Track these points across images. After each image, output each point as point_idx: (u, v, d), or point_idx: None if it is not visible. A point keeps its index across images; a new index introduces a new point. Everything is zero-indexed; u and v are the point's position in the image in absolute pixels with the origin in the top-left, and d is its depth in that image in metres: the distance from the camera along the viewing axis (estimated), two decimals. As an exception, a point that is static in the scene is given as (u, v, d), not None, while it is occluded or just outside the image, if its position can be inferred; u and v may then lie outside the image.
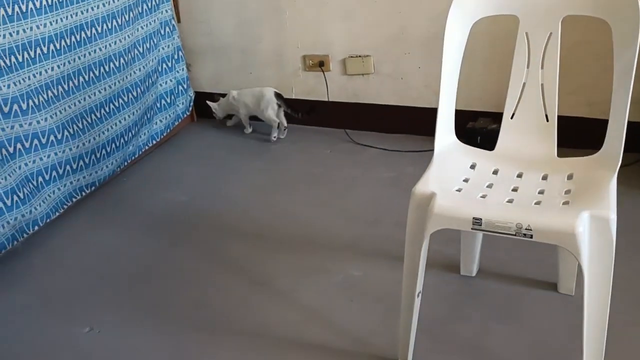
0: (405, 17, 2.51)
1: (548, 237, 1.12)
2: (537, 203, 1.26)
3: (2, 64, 1.94)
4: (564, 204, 1.22)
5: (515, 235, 1.14)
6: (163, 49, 2.77)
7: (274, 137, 2.81)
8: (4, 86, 1.95)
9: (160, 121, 2.83)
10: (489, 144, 2.39)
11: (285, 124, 2.82)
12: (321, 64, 2.74)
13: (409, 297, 1.36)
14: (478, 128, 2.41)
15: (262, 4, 2.75)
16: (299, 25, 2.73)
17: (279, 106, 2.76)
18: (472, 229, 1.18)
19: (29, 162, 2.12)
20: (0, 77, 1.93)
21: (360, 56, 2.66)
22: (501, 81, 2.45)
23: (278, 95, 2.78)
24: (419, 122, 2.65)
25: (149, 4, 2.62)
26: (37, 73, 2.08)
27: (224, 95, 2.92)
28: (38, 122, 2.10)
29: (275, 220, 2.17)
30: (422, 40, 2.52)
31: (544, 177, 1.38)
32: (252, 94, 2.80)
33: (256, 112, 2.81)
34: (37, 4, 2.04)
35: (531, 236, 1.12)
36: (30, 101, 2.06)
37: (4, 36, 1.94)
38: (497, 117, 2.49)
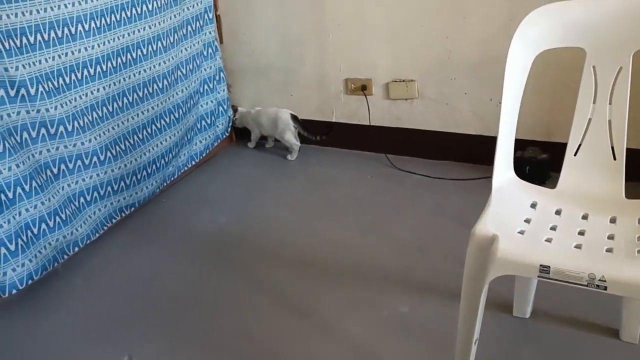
0: (452, 41, 2.45)
1: (625, 290, 1.04)
2: (609, 250, 1.18)
3: (51, 85, 1.94)
4: (639, 252, 1.14)
5: (587, 286, 1.06)
6: (205, 70, 2.77)
7: (292, 158, 2.83)
8: (52, 108, 1.95)
9: (200, 142, 2.81)
10: (538, 174, 2.34)
11: (299, 144, 2.84)
12: (363, 88, 2.70)
13: (465, 343, 1.29)
14: (527, 158, 2.33)
15: (306, 26, 2.73)
16: (342, 48, 2.69)
17: (295, 128, 2.78)
18: (538, 277, 1.10)
19: (72, 182, 2.11)
20: (49, 98, 1.94)
21: (404, 81, 2.61)
22: (553, 110, 2.39)
23: (294, 118, 2.77)
24: (463, 149, 2.58)
25: (194, 26, 2.62)
26: (83, 95, 2.08)
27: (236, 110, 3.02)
28: (82, 143, 2.10)
29: (317, 246, 2.11)
30: (469, 65, 2.46)
31: (612, 220, 1.29)
32: (267, 116, 2.84)
33: (272, 133, 2.87)
34: (86, 27, 2.05)
35: (605, 288, 1.05)
36: (76, 122, 2.06)
37: (53, 58, 1.95)
38: (546, 147, 2.44)
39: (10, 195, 1.84)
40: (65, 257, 2.08)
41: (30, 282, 1.92)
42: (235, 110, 2.97)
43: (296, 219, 2.32)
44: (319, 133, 2.78)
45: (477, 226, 1.23)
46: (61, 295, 1.98)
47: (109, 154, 2.22)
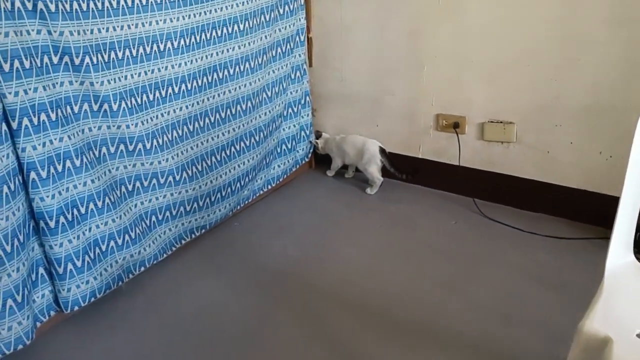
0: (560, 84, 2.22)
1: None
2: None
3: (134, 102, 1.91)
4: None
5: None
6: (291, 93, 2.68)
7: (371, 192, 2.67)
8: (132, 124, 1.92)
9: (279, 166, 2.72)
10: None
11: (382, 179, 2.68)
12: (456, 125, 2.51)
13: None
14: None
15: (401, 56, 2.58)
16: (436, 81, 2.52)
17: (382, 162, 2.62)
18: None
19: (145, 201, 2.07)
20: (130, 115, 1.90)
21: (501, 122, 2.40)
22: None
23: (382, 151, 2.62)
24: (561, 203, 2.33)
25: (284, 48, 2.54)
26: (165, 112, 2.03)
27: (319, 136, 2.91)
28: (159, 162, 2.05)
29: (387, 295, 1.94)
30: (578, 112, 2.21)
31: None
32: (354, 144, 2.69)
33: (356, 163, 2.73)
34: (175, 44, 2.01)
35: None
36: (155, 141, 2.01)
37: (139, 74, 1.91)
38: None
39: (82, 210, 1.81)
40: (131, 276, 2.04)
41: (92, 299, 1.88)
42: (319, 135, 2.87)
43: (368, 261, 2.16)
44: (405, 171, 2.62)
45: (586, 323, 1.03)
46: (120, 315, 1.93)
47: (184, 174, 2.16)
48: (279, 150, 2.70)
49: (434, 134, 2.61)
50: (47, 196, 1.69)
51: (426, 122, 2.61)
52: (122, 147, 1.93)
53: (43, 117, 1.65)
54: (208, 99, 2.20)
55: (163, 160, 2.06)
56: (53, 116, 1.67)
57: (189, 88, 2.10)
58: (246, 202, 2.56)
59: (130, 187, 2.01)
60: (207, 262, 2.22)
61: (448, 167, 2.60)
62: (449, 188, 2.63)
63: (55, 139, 1.69)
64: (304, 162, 2.87)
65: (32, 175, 1.64)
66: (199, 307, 1.94)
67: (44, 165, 1.67)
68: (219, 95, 2.24)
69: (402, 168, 2.64)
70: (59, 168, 1.72)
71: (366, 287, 2.00)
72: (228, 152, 2.35)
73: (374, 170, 2.63)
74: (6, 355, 1.63)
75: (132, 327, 1.86)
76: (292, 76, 2.66)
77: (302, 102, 2.76)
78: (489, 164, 2.49)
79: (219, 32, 2.17)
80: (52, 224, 1.72)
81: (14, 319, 1.63)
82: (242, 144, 2.42)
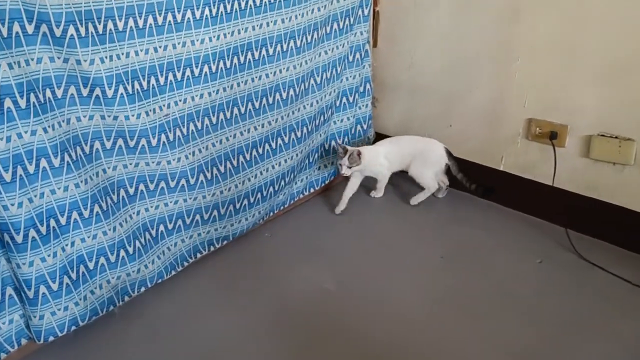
0: None
1: None
2: None
3: (137, 87, 1.50)
4: None
5: None
6: (347, 79, 2.20)
7: (417, 202, 2.19)
8: (132, 115, 1.51)
9: (325, 166, 2.27)
10: None
11: (448, 183, 2.21)
12: (553, 136, 1.96)
13: None
14: None
15: (488, 42, 2.04)
16: (532, 77, 1.97)
17: (447, 166, 2.13)
18: None
19: (151, 207, 1.68)
20: (131, 103, 1.50)
21: (617, 137, 1.83)
22: None
23: (448, 153, 2.12)
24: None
25: (342, 24, 2.05)
26: (178, 101, 1.62)
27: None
28: (169, 162, 1.65)
29: (447, 357, 1.48)
30: None
31: None
32: (413, 145, 2.17)
33: (408, 166, 2.17)
34: (197, 14, 1.57)
35: None
36: (164, 135, 1.60)
37: (146, 51, 1.50)
38: None
39: (62, 221, 1.44)
40: (127, 298, 1.67)
41: (73, 328, 1.53)
42: (345, 152, 2.07)
43: (423, 307, 1.68)
44: (476, 183, 2.10)
45: None
46: (110, 346, 1.57)
47: (202, 176, 1.75)
48: (326, 147, 2.24)
49: (522, 144, 2.06)
50: (12, 204, 1.32)
51: (514, 127, 2.07)
52: (120, 142, 1.53)
53: (8, 103, 1.27)
54: (238, 84, 1.76)
55: (174, 159, 1.66)
56: (22, 103, 1.29)
57: (213, 70, 1.67)
58: (281, 208, 2.13)
59: (131, 191, 1.62)
60: (226, 284, 1.82)
61: (537, 187, 2.05)
62: (536, 212, 2.09)
63: (25, 132, 1.31)
64: (357, 162, 2.40)
65: (-11, 178, 1.27)
66: (208, 347, 1.55)
67: (7, 165, 1.30)
68: (253, 80, 1.80)
69: (473, 178, 2.12)
70: (30, 169, 1.34)
71: (418, 345, 1.53)
72: (260, 151, 1.92)
73: (430, 175, 2.14)
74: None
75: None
76: (350, 58, 2.18)
77: (361, 89, 2.28)
78: (592, 189, 1.93)
79: (257, 1, 1.72)
80: (18, 239, 1.36)
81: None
82: (280, 141, 1.97)
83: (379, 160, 2.14)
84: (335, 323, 1.63)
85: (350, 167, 2.04)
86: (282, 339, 1.58)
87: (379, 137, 2.42)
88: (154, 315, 1.69)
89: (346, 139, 2.28)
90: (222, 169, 1.81)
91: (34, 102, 1.31)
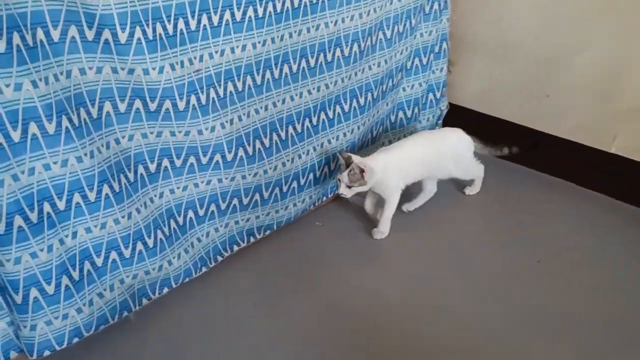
0: None
1: None
2: None
3: (160, 32, 1.13)
4: None
5: None
6: (422, 35, 1.79)
7: (471, 192, 1.79)
8: (153, 69, 1.15)
9: (390, 141, 1.88)
10: None
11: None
12: (691, 111, 1.51)
13: None
14: None
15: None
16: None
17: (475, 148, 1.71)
18: None
19: (177, 188, 1.33)
20: (151, 53, 1.14)
21: None
22: None
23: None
24: None
25: (419, -37, 1.64)
26: (214, 52, 1.24)
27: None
28: (200, 131, 1.29)
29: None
30: None
31: None
32: (430, 143, 1.64)
33: (435, 173, 1.68)
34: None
35: None
36: (194, 98, 1.24)
37: (172, -15, 1.12)
38: None
39: (60, 205, 1.10)
40: (145, 302, 1.34)
41: (76, 340, 1.20)
42: (348, 162, 1.50)
43: (512, 331, 1.30)
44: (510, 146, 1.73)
45: None
46: (128, 355, 1.25)
47: (241, 151, 1.39)
48: (392, 119, 1.85)
49: (646, 121, 1.63)
50: (-11, 183, 0.99)
51: (634, 100, 1.63)
52: (138, 104, 1.18)
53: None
54: (290, 35, 1.38)
55: (206, 129, 1.29)
56: (2, 45, 0.94)
57: (260, 14, 1.29)
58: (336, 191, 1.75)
59: (152, 168, 1.27)
60: (267, 284, 1.47)
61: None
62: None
63: (6, 86, 0.97)
64: (426, 138, 2.00)
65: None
66: (239, 354, 1.21)
67: (-20, 131, 0.96)
68: (308, 30, 1.42)
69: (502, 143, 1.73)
70: (14, 136, 1.00)
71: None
72: (314, 121, 1.54)
73: (474, 164, 1.72)
74: None
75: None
76: (427, 9, 1.76)
77: (437, 49, 1.86)
78: None
79: None
80: (0, 228, 1.03)
81: None
82: (339, 109, 1.59)
83: (389, 174, 1.55)
84: (396, 338, 1.27)
85: (350, 187, 1.50)
86: (333, 352, 1.22)
87: (453, 110, 2.01)
88: (178, 322, 1.35)
89: (415, 110, 1.88)
90: (266, 142, 1.44)
91: (18, 45, 0.96)
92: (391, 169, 1.54)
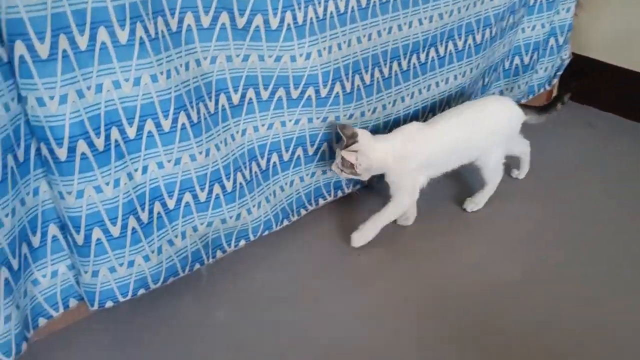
0: None
1: None
2: None
3: None
4: None
5: None
6: (551, -37, 1.50)
7: (517, 174, 1.45)
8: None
9: (502, 92, 1.62)
10: None
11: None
12: None
13: None
14: None
15: None
16: None
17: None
18: None
19: (262, 125, 1.15)
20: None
21: None
22: None
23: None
24: None
25: None
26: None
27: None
28: (293, 57, 1.08)
29: None
30: None
31: None
32: (469, 122, 1.25)
33: (470, 159, 1.30)
34: None
35: None
36: (289, 14, 1.03)
37: None
38: None
39: (129, 132, 0.93)
40: (219, 254, 1.16)
41: (142, 292, 1.04)
42: (352, 138, 1.17)
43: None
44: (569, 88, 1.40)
45: None
46: (192, 320, 1.08)
47: (338, 86, 1.17)
48: (505, 66, 1.58)
49: None
50: (52, 98, 0.82)
51: None
52: (224, 18, 0.98)
53: None
54: (403, -53, 1.14)
55: (300, 55, 1.08)
56: None
57: None
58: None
59: (235, 99, 1.08)
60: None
61: None
62: None
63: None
64: (542, 90, 1.72)
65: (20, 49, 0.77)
66: (330, 335, 1.03)
67: (43, 32, 0.78)
68: (424, -56, 1.17)
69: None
70: (81, 44, 0.83)
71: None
72: (423, 58, 1.30)
73: (520, 141, 1.39)
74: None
75: (205, 352, 1.01)
76: None
77: (564, -16, 1.57)
78: None
79: None
80: (60, 154, 0.87)
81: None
82: (451, 46, 1.34)
83: (403, 168, 1.20)
84: (516, 322, 1.04)
85: (342, 171, 1.18)
86: (437, 332, 1.01)
87: (576, 60, 1.71)
88: (255, 280, 1.18)
89: (533, 56, 1.60)
90: (367, 78, 1.22)
91: None
92: (408, 162, 1.19)
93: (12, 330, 0.89)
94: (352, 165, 1.15)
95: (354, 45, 1.16)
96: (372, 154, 1.15)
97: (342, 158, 1.14)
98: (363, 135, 1.16)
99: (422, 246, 1.25)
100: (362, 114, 1.25)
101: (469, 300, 1.10)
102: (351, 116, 1.23)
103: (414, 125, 1.21)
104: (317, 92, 1.14)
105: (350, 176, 1.19)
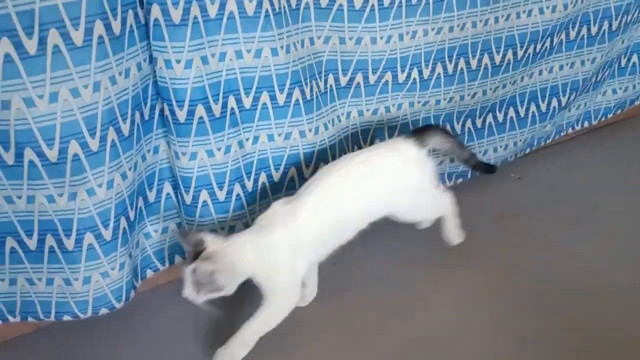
0: None
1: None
2: None
3: None
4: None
5: None
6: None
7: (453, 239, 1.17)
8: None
9: (620, 89, 1.51)
10: None
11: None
12: None
13: None
14: None
15: None
16: None
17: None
18: None
19: (366, 110, 1.17)
20: None
21: None
22: None
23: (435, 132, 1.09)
24: None
25: None
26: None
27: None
28: (401, 36, 1.07)
29: None
30: None
31: None
32: (360, 181, 0.99)
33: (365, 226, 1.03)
34: None
35: None
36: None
37: None
38: None
39: (246, 103, 0.98)
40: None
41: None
42: (198, 245, 0.90)
43: None
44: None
45: None
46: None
47: (462, 63, 1.16)
48: (623, 62, 1.48)
49: None
50: (178, 61, 0.88)
51: None
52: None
53: None
54: None
55: (407, 33, 1.08)
56: None
57: None
58: (542, 143, 1.46)
59: (343, 81, 1.10)
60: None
61: None
62: None
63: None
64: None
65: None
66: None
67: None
68: None
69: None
70: (211, 11, 0.87)
71: None
72: (537, 48, 1.25)
73: (438, 194, 1.11)
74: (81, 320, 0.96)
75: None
76: None
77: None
78: None
79: None
80: (181, 116, 0.92)
81: (94, 267, 0.91)
82: (572, 33, 1.28)
83: (274, 261, 0.94)
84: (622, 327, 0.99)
85: (198, 292, 0.89)
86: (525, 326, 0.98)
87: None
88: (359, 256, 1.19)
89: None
90: (473, 63, 1.18)
91: None
92: (276, 254, 0.93)
93: (124, 278, 0.96)
94: (211, 278, 0.87)
95: (468, 29, 1.13)
96: (230, 257, 0.89)
97: (195, 272, 0.87)
98: (211, 239, 0.90)
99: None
100: (462, 98, 1.22)
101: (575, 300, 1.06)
102: (451, 99, 1.21)
103: (276, 206, 0.95)
104: (420, 73, 1.13)
105: (211, 295, 0.89)
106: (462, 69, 1.17)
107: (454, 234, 1.14)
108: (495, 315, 1.04)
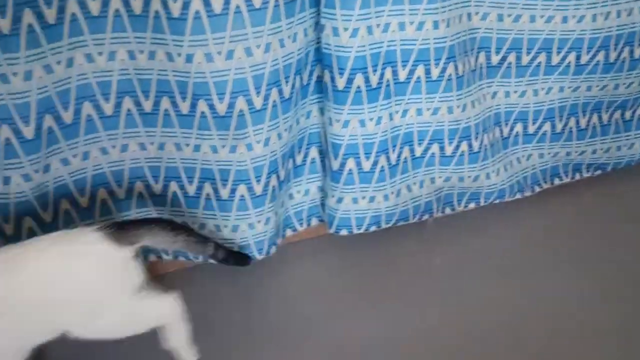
0: None
1: None
2: None
3: None
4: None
5: None
6: None
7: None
8: None
9: None
10: None
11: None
12: None
13: None
14: None
15: None
16: None
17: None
18: None
19: (513, 92, 1.15)
20: None
21: None
22: None
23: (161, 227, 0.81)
24: None
25: None
26: None
27: None
28: (565, 18, 1.04)
29: None
30: None
31: None
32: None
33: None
34: None
35: None
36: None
37: None
38: None
39: (401, 75, 1.00)
40: (449, 210, 1.19)
41: (373, 229, 1.11)
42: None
43: None
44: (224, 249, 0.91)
45: None
46: (406, 267, 1.13)
47: (626, 52, 1.11)
48: None
49: None
50: (346, 29, 0.90)
51: None
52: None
53: None
54: None
55: (573, 16, 1.04)
56: None
57: None
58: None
59: (494, 59, 1.09)
60: (581, 223, 1.21)
61: None
62: None
63: None
64: None
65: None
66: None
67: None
68: None
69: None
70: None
71: None
72: None
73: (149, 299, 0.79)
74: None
75: (412, 295, 1.05)
76: None
77: None
78: None
79: None
80: (340, 84, 0.95)
81: (243, 217, 0.97)
82: None
83: None
84: None
85: None
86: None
87: None
88: (473, 244, 1.18)
89: None
90: (637, 52, 1.12)
91: None
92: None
93: (268, 232, 1.01)
94: None
95: (635, 15, 1.07)
96: None
97: None
98: None
99: None
100: (616, 87, 1.16)
101: None
102: (604, 87, 1.15)
103: None
104: (578, 57, 1.09)
105: None
106: (624, 58, 1.11)
107: (184, 348, 0.83)
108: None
